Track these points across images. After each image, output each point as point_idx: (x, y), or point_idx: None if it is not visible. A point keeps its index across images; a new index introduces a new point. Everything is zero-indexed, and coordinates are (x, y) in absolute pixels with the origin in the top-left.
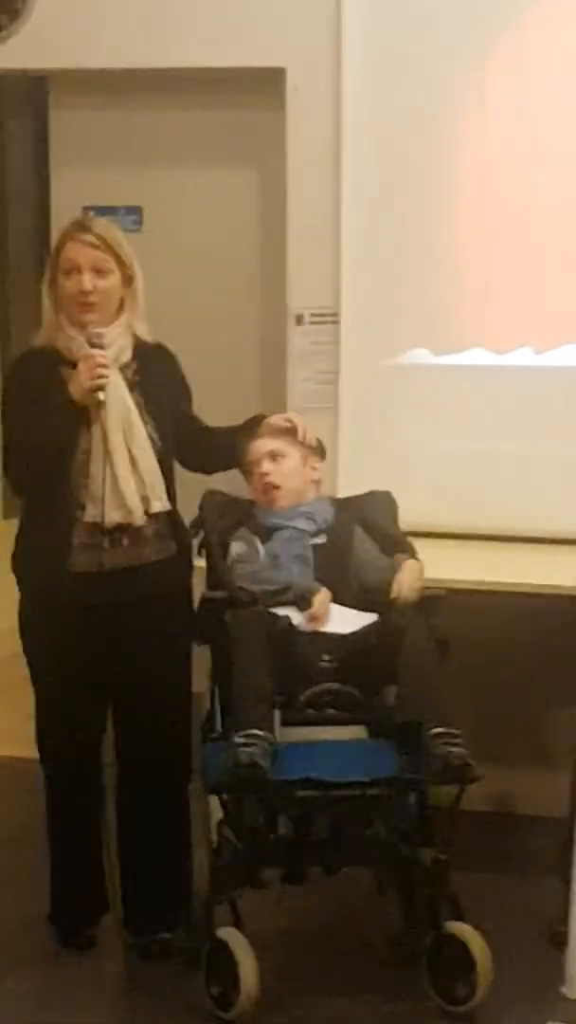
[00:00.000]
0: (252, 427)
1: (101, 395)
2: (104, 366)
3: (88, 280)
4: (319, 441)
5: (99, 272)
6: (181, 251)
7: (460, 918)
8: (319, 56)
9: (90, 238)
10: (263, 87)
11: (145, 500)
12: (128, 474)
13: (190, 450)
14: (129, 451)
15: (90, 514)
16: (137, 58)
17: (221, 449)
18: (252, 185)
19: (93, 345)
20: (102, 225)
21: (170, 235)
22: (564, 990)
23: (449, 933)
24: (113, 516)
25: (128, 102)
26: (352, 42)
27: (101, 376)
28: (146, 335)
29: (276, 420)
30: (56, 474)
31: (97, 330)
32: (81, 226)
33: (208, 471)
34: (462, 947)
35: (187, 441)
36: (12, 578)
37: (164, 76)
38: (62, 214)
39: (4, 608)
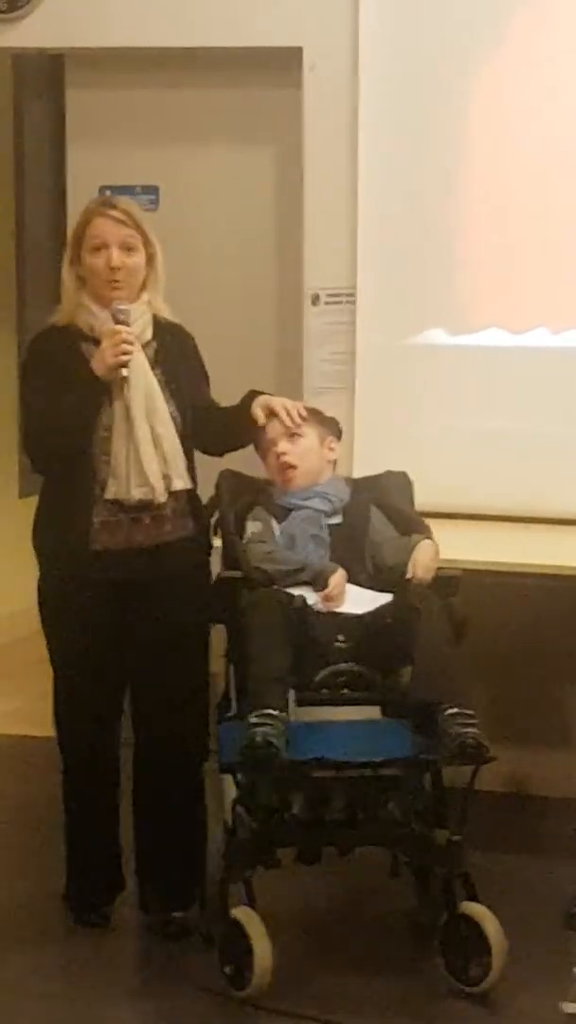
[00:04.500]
0: (245, 404)
1: (125, 371)
2: (129, 342)
3: (117, 256)
4: (335, 421)
5: (126, 249)
6: (198, 231)
7: (474, 899)
8: (336, 35)
9: (117, 214)
10: (280, 66)
11: (167, 478)
12: (151, 451)
13: (208, 434)
14: (152, 428)
15: (112, 491)
16: (154, 37)
17: (226, 430)
18: (269, 164)
19: (117, 321)
20: (126, 202)
21: (187, 214)
22: None
23: (463, 913)
24: (135, 493)
25: (145, 81)
26: (369, 21)
27: (126, 352)
28: (166, 314)
29: (258, 410)
30: (77, 451)
31: (121, 306)
32: (107, 203)
33: (218, 453)
34: (476, 927)
35: (203, 425)
36: (21, 562)
37: (181, 55)
38: (78, 194)
39: (15, 590)
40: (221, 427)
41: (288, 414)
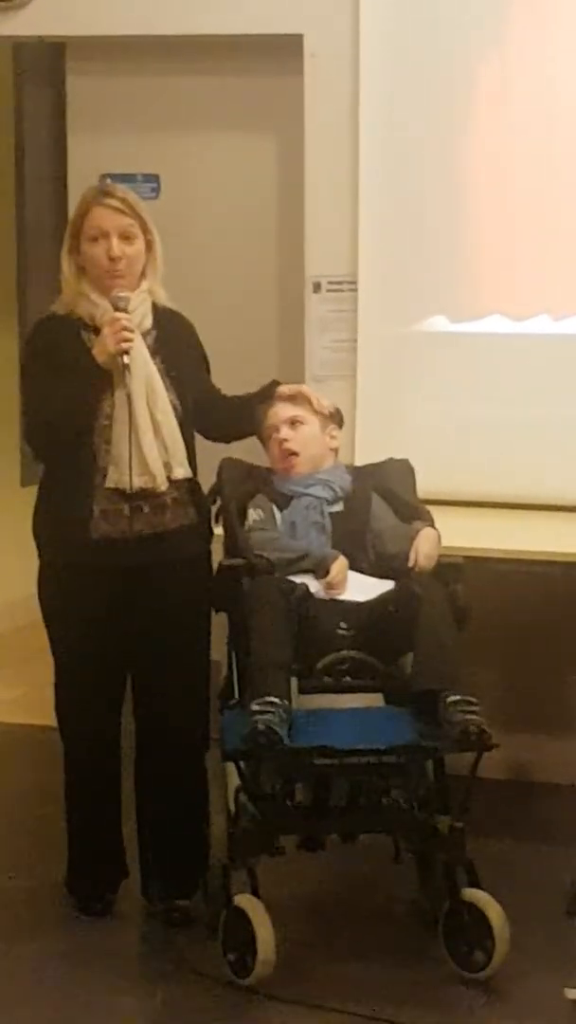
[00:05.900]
0: (267, 393)
1: (126, 359)
2: (129, 329)
3: (117, 246)
4: (337, 409)
5: (126, 238)
6: (199, 218)
7: (477, 885)
8: (337, 23)
9: (115, 203)
10: (281, 53)
11: (167, 466)
12: (152, 439)
13: (210, 420)
14: (152, 416)
15: (113, 479)
16: (154, 25)
17: (239, 417)
18: (270, 152)
19: (117, 308)
20: (124, 190)
21: (188, 202)
22: None
23: (466, 900)
24: (136, 481)
25: (145, 69)
26: (370, 8)
27: (127, 340)
28: (164, 301)
29: (286, 389)
30: (78, 439)
31: (121, 294)
32: (104, 191)
33: (227, 440)
34: (479, 914)
35: (207, 411)
36: (22, 551)
37: (182, 43)
38: (79, 182)
39: (16, 579)
40: (230, 414)
41: (318, 400)
